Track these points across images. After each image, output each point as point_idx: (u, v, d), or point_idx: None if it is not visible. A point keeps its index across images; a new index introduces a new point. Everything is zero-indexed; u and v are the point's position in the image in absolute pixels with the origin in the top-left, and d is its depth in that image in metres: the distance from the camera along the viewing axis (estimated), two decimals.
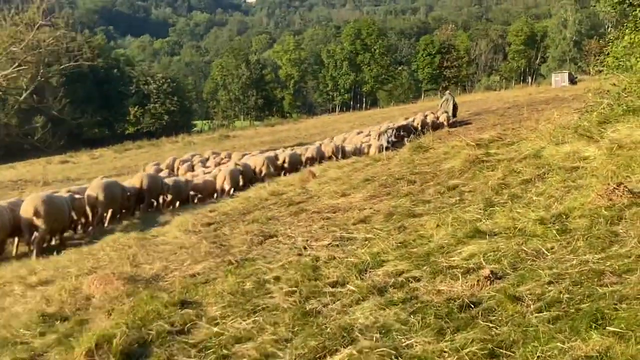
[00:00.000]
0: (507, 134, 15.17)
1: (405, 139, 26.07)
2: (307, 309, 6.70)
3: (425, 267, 7.25)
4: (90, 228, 17.51)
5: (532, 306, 5.71)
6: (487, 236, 7.79)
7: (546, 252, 6.92)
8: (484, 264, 6.95)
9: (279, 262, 8.62)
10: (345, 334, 5.89)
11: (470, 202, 9.65)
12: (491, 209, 8.91)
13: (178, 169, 31.01)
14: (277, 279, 7.88)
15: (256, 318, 6.73)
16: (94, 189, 17.74)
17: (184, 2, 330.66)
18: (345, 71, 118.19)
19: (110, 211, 18.12)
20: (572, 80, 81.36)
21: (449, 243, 7.91)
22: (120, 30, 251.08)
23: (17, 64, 39.84)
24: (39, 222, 14.84)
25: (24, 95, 43.01)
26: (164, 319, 7.15)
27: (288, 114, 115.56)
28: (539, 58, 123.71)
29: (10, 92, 44.50)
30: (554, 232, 7.37)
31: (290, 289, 7.39)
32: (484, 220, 8.50)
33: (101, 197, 17.39)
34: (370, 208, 10.92)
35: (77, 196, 17.72)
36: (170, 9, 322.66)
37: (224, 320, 6.86)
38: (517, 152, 12.06)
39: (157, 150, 68.49)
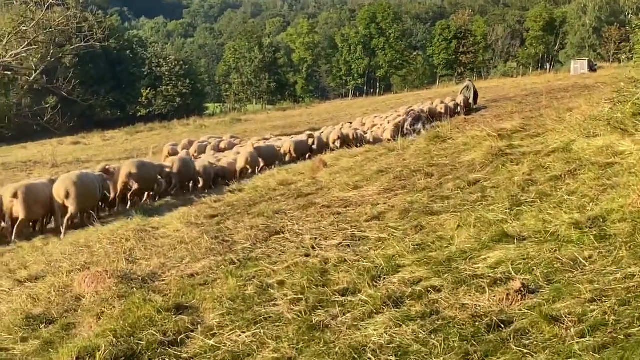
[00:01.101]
0: (531, 125, 14.27)
1: (424, 126, 25.13)
2: (314, 321, 5.97)
3: (446, 275, 6.50)
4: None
5: (572, 329, 4.94)
6: (515, 240, 7.02)
7: (584, 262, 6.14)
8: (513, 273, 6.19)
9: (284, 263, 7.90)
10: (356, 356, 5.17)
11: (494, 199, 8.87)
12: (518, 208, 8.14)
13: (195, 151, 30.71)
14: (281, 283, 7.15)
15: (257, 330, 6.02)
16: (127, 166, 18.37)
17: None
18: (360, 55, 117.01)
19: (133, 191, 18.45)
20: (592, 68, 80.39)
21: (472, 247, 7.15)
22: (134, 11, 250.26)
23: (26, 43, 39.21)
24: (69, 203, 15.40)
25: (34, 75, 42.42)
26: (156, 326, 6.47)
27: (300, 99, 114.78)
28: (557, 45, 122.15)
29: (20, 72, 43.89)
30: (592, 238, 6.58)
31: (295, 296, 6.67)
32: (510, 222, 7.73)
33: (134, 175, 18.01)
34: (385, 203, 10.16)
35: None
36: None
37: (221, 331, 6.17)
38: (543, 145, 11.25)
39: (169, 133, 68.09)
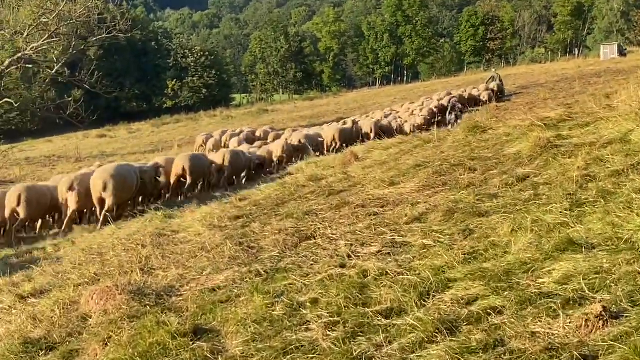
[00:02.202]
0: (578, 113, 13.22)
1: (457, 117, 24.08)
2: (355, 353, 5.06)
3: (506, 293, 5.57)
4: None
5: None
6: (583, 249, 6.05)
7: None
8: (587, 292, 5.24)
9: (317, 275, 7.01)
10: None
11: (549, 198, 7.90)
12: (579, 209, 7.18)
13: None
14: (314, 301, 6.25)
15: None
16: (181, 160, 19.07)
17: None
18: (386, 43, 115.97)
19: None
20: (622, 52, 78.88)
21: (533, 257, 6.20)
22: (159, 3, 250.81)
23: (47, 35, 38.57)
24: (106, 195, 15.52)
25: (56, 68, 41.81)
26: (170, 356, 5.58)
27: (327, 88, 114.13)
28: (586, 30, 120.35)
29: (42, 66, 43.33)
30: None
31: (331, 318, 5.77)
32: (573, 226, 6.77)
33: (187, 168, 18.67)
34: (425, 202, 9.22)
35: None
36: None
37: None
38: (596, 135, 10.24)
39: (195, 125, 67.77)
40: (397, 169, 12.28)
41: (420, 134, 17.96)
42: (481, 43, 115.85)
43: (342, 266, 7.15)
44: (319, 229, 8.93)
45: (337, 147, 25.41)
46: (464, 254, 6.72)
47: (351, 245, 7.87)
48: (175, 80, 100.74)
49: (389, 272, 6.61)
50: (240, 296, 6.82)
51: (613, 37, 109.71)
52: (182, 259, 8.89)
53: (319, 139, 26.56)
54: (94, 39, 45.04)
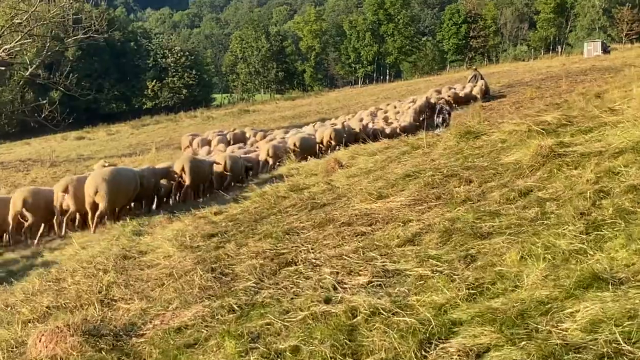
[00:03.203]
0: (576, 116, 12.32)
1: (444, 120, 23.08)
2: None
3: (524, 343, 4.65)
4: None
5: None
6: (610, 285, 5.17)
7: None
8: (622, 343, 4.34)
9: (298, 312, 6.06)
10: None
11: (559, 218, 7.01)
12: (596, 232, 6.29)
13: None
14: (295, 350, 5.29)
15: None
16: (180, 163, 18.88)
17: None
18: (368, 42, 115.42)
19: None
20: (605, 50, 78.73)
21: (551, 295, 5.28)
22: (139, 3, 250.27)
23: (20, 36, 37.45)
24: (99, 199, 15.28)
25: (30, 70, 40.69)
26: None
27: (309, 87, 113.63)
28: (569, 27, 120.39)
29: (14, 67, 42.22)
30: None
31: None
32: (592, 253, 5.88)
33: (187, 171, 18.54)
34: (418, 220, 8.31)
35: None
36: None
37: None
38: (603, 143, 9.36)
39: (175, 126, 67.08)
40: (384, 179, 11.35)
41: (407, 139, 17.00)
42: (464, 41, 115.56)
43: (327, 301, 6.20)
44: (300, 251, 8.00)
45: (332, 147, 25.10)
46: (468, 288, 5.80)
47: (337, 273, 6.94)
48: (155, 80, 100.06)
49: (382, 310, 5.67)
50: (209, 339, 5.87)
51: (595, 34, 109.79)
52: (148, 287, 7.92)
53: (315, 141, 26.09)
54: (70, 40, 43.99)
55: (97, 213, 15.33)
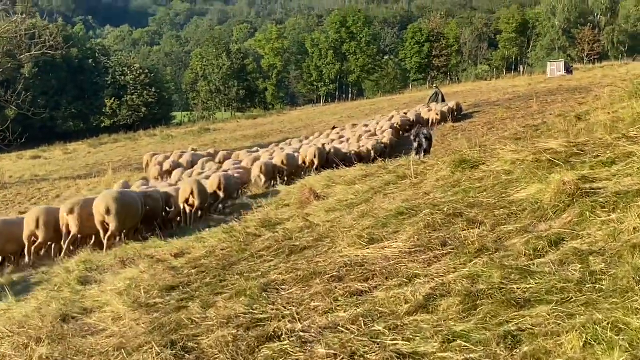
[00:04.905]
0: (585, 143, 10.82)
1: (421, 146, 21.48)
2: None
3: None
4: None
5: None
6: None
7: None
8: None
9: None
10: None
11: (615, 280, 5.49)
12: None
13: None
14: None
15: None
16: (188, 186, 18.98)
17: None
18: (331, 60, 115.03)
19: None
20: (568, 70, 78.91)
21: None
22: (99, 20, 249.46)
23: None
24: (109, 219, 15.37)
25: None
26: None
27: (271, 106, 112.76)
28: (530, 47, 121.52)
29: None
30: None
31: None
32: None
33: (196, 194, 18.60)
34: (426, 275, 6.73)
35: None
36: None
37: None
38: (634, 178, 7.91)
39: (134, 145, 65.82)
40: (372, 216, 9.75)
41: (387, 164, 15.45)
42: (426, 60, 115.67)
43: None
44: (283, 317, 6.36)
45: (315, 167, 24.55)
46: None
47: (335, 356, 5.34)
48: (113, 98, 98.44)
49: None
50: None
51: (555, 54, 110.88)
52: None
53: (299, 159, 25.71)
54: (23, 56, 42.22)
55: (108, 234, 15.40)
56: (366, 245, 8.25)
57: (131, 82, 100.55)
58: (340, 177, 15.19)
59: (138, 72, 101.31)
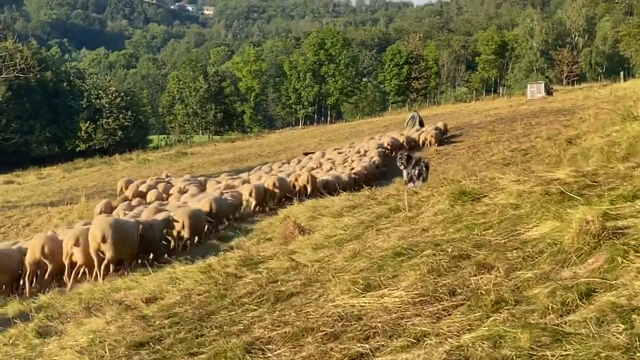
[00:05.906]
0: (595, 173, 9.88)
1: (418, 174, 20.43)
2: None
3: None
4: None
5: None
6: None
7: None
8: None
9: None
10: None
11: None
12: None
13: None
14: None
15: None
16: (180, 215, 18.72)
17: (141, 14, 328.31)
18: (309, 83, 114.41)
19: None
20: (548, 91, 78.81)
21: None
22: (75, 43, 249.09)
23: None
24: (105, 248, 15.05)
25: None
26: None
27: (249, 129, 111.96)
28: (510, 68, 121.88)
29: None
30: None
31: None
32: None
33: (187, 224, 18.49)
34: (437, 335, 5.72)
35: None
36: (126, 21, 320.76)
37: None
38: None
39: (110, 169, 64.92)
40: (366, 255, 8.76)
41: (376, 194, 14.47)
42: (405, 82, 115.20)
43: None
44: None
45: (308, 192, 24.26)
46: None
47: None
48: (88, 122, 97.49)
49: None
50: None
51: (533, 75, 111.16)
52: None
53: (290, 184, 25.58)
54: None
55: (104, 263, 15.19)
56: (362, 293, 7.25)
57: (107, 105, 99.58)
58: (326, 207, 14.26)
59: (114, 95, 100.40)
